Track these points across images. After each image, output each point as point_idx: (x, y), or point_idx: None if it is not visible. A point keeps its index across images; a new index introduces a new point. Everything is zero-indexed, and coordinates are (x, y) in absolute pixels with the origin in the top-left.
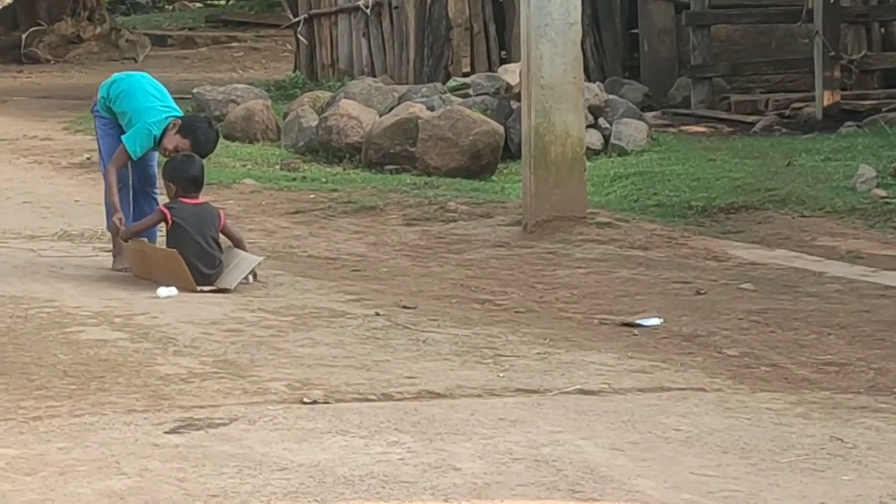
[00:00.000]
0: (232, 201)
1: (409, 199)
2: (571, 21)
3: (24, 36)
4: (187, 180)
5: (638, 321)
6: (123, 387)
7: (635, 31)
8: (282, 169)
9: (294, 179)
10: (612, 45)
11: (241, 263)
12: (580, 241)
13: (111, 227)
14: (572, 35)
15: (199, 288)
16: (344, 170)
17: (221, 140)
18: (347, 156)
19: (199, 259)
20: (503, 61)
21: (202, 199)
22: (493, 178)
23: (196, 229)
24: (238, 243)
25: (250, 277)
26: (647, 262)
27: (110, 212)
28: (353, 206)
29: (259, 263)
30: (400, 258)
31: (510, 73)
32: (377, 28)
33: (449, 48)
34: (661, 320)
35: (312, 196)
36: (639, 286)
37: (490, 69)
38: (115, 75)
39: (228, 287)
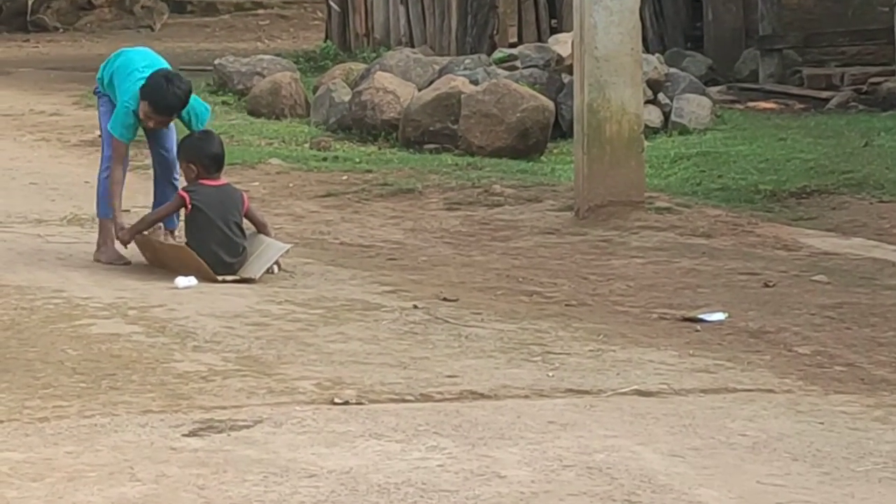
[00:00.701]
0: (257, 183)
1: (451, 182)
2: None
3: (30, 2)
4: (207, 158)
5: (700, 316)
6: (138, 385)
7: None
8: (311, 148)
9: (325, 159)
10: (674, 14)
11: (267, 251)
12: (637, 228)
13: (104, 216)
14: (630, 2)
15: (220, 278)
16: (379, 149)
17: (246, 116)
18: (383, 134)
19: (222, 246)
20: (553, 31)
21: (223, 179)
22: (542, 158)
23: (218, 214)
24: (262, 228)
25: (275, 267)
26: (711, 252)
27: (104, 197)
28: (389, 189)
29: (286, 251)
30: (440, 246)
31: (561, 44)
32: None
33: (494, 16)
34: (726, 315)
35: (345, 178)
36: (701, 278)
37: (539, 39)
38: (114, 53)
39: (253, 277)
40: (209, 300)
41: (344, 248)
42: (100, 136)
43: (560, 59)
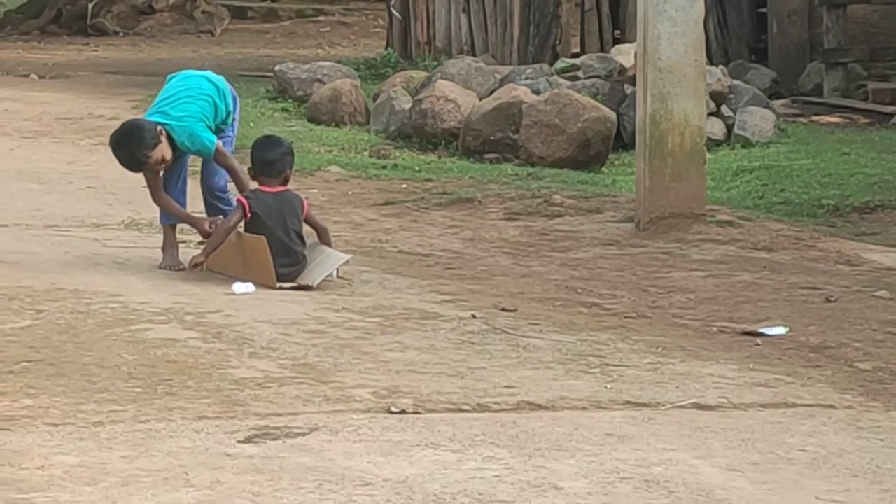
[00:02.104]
0: (315, 190)
1: (511, 192)
2: None
3: (91, 5)
4: (258, 162)
5: (761, 330)
6: (193, 391)
7: (763, 10)
8: (371, 155)
9: (384, 167)
10: (738, 26)
11: (327, 261)
12: (698, 241)
13: (164, 222)
14: (694, 13)
15: (278, 284)
16: (439, 158)
17: (305, 123)
18: (443, 142)
19: (280, 255)
20: (616, 41)
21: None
22: (604, 169)
23: (277, 222)
24: (322, 234)
25: (334, 272)
26: (772, 266)
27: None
28: (448, 198)
29: (347, 262)
30: (499, 256)
31: (624, 55)
32: (479, 2)
33: (557, 26)
34: (787, 329)
35: (404, 186)
36: (762, 291)
37: (602, 49)
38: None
39: (311, 284)
40: (266, 307)
41: (402, 257)
42: None
43: (623, 70)
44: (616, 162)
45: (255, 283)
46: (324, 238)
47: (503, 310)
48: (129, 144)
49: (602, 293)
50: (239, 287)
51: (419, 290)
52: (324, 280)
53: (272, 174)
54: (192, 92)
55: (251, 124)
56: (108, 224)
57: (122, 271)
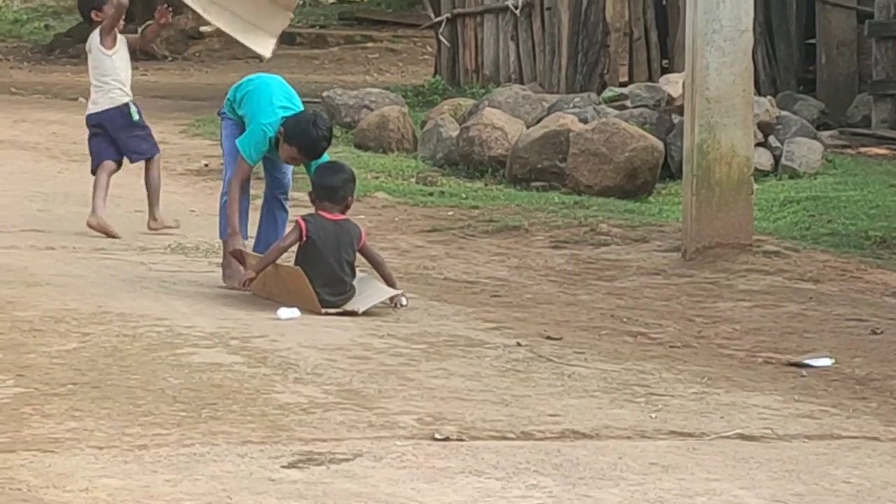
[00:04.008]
0: (363, 216)
1: (557, 220)
2: (742, 28)
3: (140, 29)
4: (320, 188)
5: (806, 361)
6: (238, 415)
7: (812, 41)
8: (418, 182)
9: (431, 194)
10: (786, 56)
11: (376, 294)
12: (744, 271)
13: (225, 237)
14: (743, 43)
15: (324, 311)
16: (486, 185)
17: (353, 149)
18: (490, 170)
19: (329, 284)
20: (665, 70)
21: (345, 215)
22: (650, 198)
23: (331, 250)
24: (377, 266)
25: (403, 299)
26: (818, 297)
27: (225, 224)
28: (494, 226)
29: (397, 295)
30: (545, 284)
31: (672, 84)
32: (527, 31)
33: (605, 55)
34: (833, 361)
35: (451, 213)
36: (808, 322)
37: (650, 79)
38: (247, 77)
39: (356, 310)
40: (311, 332)
41: (448, 284)
42: (206, 165)
43: (670, 100)
44: (663, 191)
45: (300, 309)
46: (380, 270)
47: (548, 338)
48: None
49: (648, 322)
50: (284, 312)
51: (465, 317)
52: (384, 305)
53: (335, 200)
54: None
55: None
56: (155, 248)
57: (168, 295)
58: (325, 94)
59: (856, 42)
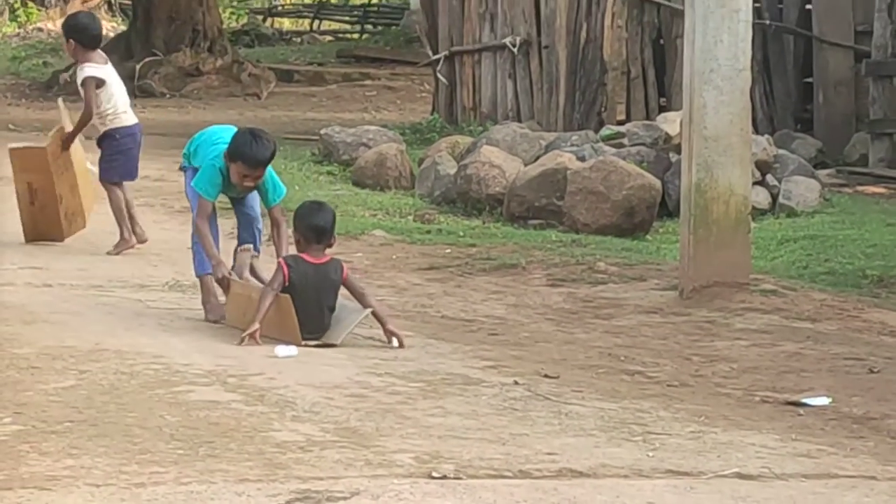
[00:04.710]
0: (360, 254)
1: (555, 258)
2: (740, 67)
3: (138, 67)
4: (307, 228)
5: (804, 400)
6: (235, 453)
7: (810, 80)
8: (415, 220)
9: (428, 232)
10: (784, 95)
11: (347, 317)
12: (742, 310)
13: (203, 272)
14: (740, 82)
15: (303, 342)
16: (483, 223)
17: (350, 187)
18: (488, 208)
19: (305, 326)
20: (662, 109)
21: (327, 256)
22: (648, 237)
23: (311, 296)
24: (360, 298)
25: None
26: (816, 336)
27: (201, 259)
28: (492, 264)
29: (365, 316)
30: (542, 322)
31: (670, 123)
32: (524, 69)
33: (603, 93)
34: (830, 400)
35: (448, 251)
36: (805, 361)
37: (648, 117)
38: (199, 132)
39: (335, 343)
40: (309, 370)
41: (445, 322)
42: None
43: (668, 138)
44: (660, 230)
45: (282, 336)
46: (363, 301)
47: (546, 376)
48: None
49: (645, 361)
50: (282, 350)
51: (462, 355)
52: (348, 335)
53: (322, 241)
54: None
55: (296, 187)
56: (153, 285)
57: (165, 332)
58: (322, 131)
59: (853, 81)
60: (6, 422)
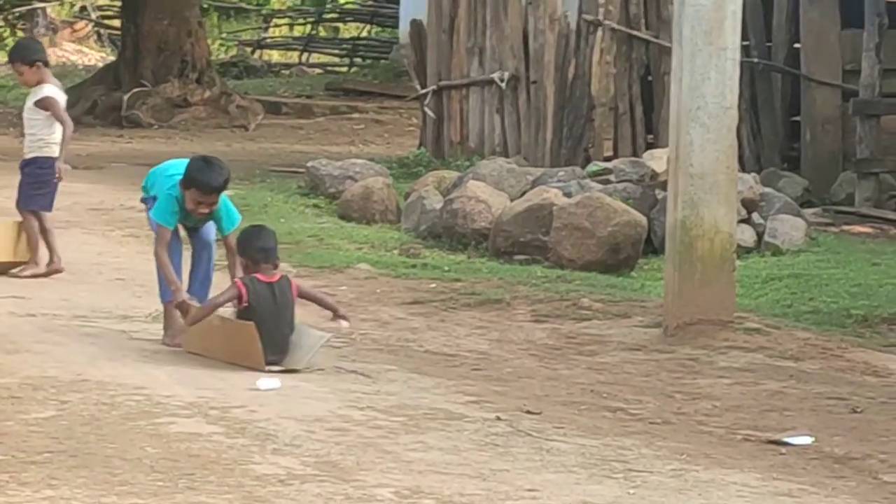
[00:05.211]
0: (344, 287)
1: (539, 294)
2: (727, 105)
3: (125, 97)
4: (255, 251)
5: (786, 439)
6: (215, 486)
7: (797, 118)
8: (401, 254)
9: (413, 266)
10: (771, 133)
11: (307, 341)
12: (725, 348)
13: (166, 300)
14: (727, 120)
15: (267, 368)
16: (469, 258)
17: (336, 220)
18: (473, 243)
19: (271, 349)
20: (650, 146)
21: (278, 274)
22: (633, 273)
23: (270, 317)
24: (319, 301)
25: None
26: (799, 375)
27: (164, 287)
28: (476, 299)
29: (326, 341)
30: (526, 358)
31: (656, 160)
32: (512, 104)
33: (590, 129)
34: (812, 439)
35: (433, 285)
36: (788, 400)
37: (635, 154)
38: (155, 167)
39: (297, 368)
40: (290, 403)
41: (429, 357)
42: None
43: (654, 175)
44: (646, 266)
45: (244, 362)
46: (322, 303)
47: (528, 412)
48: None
49: (627, 398)
50: (264, 383)
51: (444, 390)
52: (311, 359)
53: (269, 261)
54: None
55: (282, 220)
56: (136, 316)
57: (147, 364)
58: (309, 164)
59: (840, 120)
60: None
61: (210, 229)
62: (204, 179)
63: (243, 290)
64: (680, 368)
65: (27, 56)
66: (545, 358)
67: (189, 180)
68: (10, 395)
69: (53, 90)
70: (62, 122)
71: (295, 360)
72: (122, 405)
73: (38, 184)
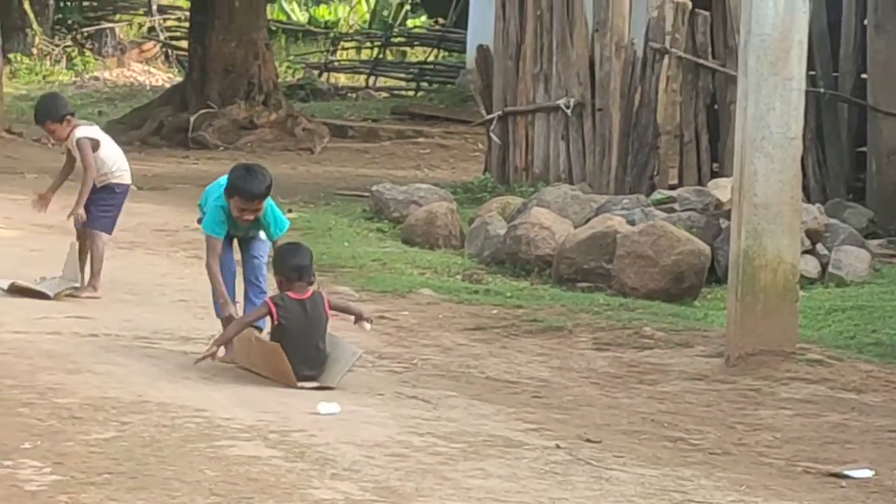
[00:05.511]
0: (406, 312)
1: (601, 322)
2: (792, 135)
3: (192, 118)
4: (288, 269)
5: (846, 472)
6: None
7: (863, 149)
8: (463, 280)
9: (476, 292)
10: (837, 164)
11: (341, 358)
12: (787, 379)
13: (220, 314)
14: (792, 150)
15: (299, 385)
16: (531, 284)
17: (399, 245)
18: (536, 269)
19: (303, 362)
20: (714, 174)
21: (309, 291)
22: (696, 303)
23: (302, 334)
24: (347, 310)
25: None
26: (861, 407)
27: (218, 302)
28: (538, 326)
29: (358, 358)
30: (586, 386)
31: (721, 189)
32: (577, 131)
33: (655, 157)
34: (873, 472)
35: (495, 312)
36: (850, 433)
37: (700, 182)
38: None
39: (332, 386)
40: (350, 427)
41: (489, 383)
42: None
43: (719, 204)
44: (709, 296)
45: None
46: (350, 310)
47: (588, 441)
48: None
49: (688, 428)
50: (324, 407)
51: (505, 417)
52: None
53: (304, 279)
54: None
55: (346, 244)
56: (198, 338)
57: (208, 386)
58: (374, 188)
59: None
60: (46, 472)
61: (262, 250)
62: (246, 187)
63: (273, 310)
64: (741, 399)
65: (56, 113)
66: (606, 386)
67: (232, 188)
68: (70, 415)
69: (81, 131)
70: (85, 168)
71: (330, 378)
72: (182, 427)
73: (105, 206)
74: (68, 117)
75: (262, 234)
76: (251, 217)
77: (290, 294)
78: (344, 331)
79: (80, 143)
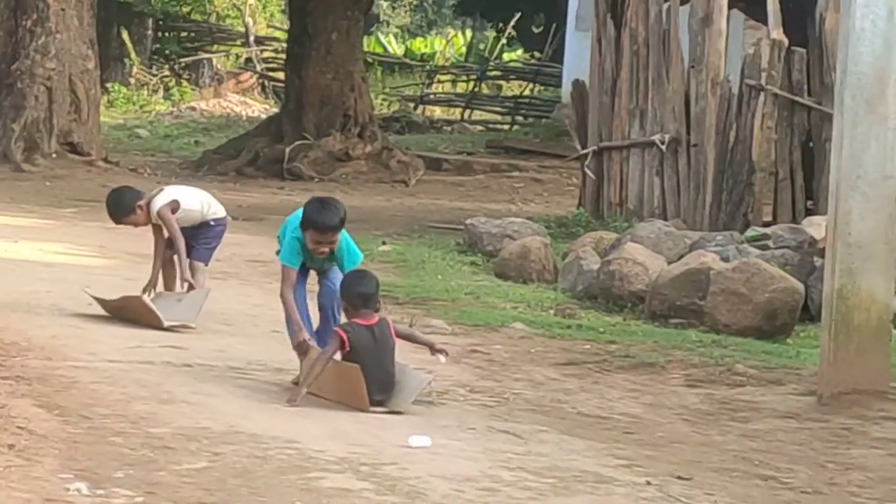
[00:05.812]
0: (499, 346)
1: (694, 358)
2: (887, 174)
3: (288, 150)
4: (354, 296)
5: None
6: None
7: None
8: (556, 314)
9: (569, 327)
10: None
11: (410, 383)
12: (880, 419)
13: (293, 340)
14: (887, 190)
15: (371, 409)
16: (624, 320)
17: (492, 278)
18: (629, 305)
19: (376, 389)
20: (809, 212)
21: (376, 317)
22: (789, 340)
23: (372, 358)
24: (413, 338)
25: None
26: None
27: (292, 329)
28: (630, 361)
29: (428, 383)
30: (678, 423)
31: (815, 226)
32: (672, 167)
33: (750, 194)
34: None
35: (587, 347)
36: None
37: (794, 220)
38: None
39: (401, 410)
40: (441, 461)
41: (581, 419)
42: None
43: (813, 242)
44: (802, 334)
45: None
46: (420, 340)
47: (679, 478)
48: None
49: (779, 466)
50: (416, 441)
51: (595, 452)
52: (413, 401)
53: (369, 306)
54: None
55: (439, 276)
56: (291, 369)
57: (300, 417)
58: (468, 221)
59: None
60: (137, 501)
61: (337, 276)
62: (320, 220)
63: (344, 337)
64: (833, 438)
65: (128, 207)
66: (697, 423)
67: (306, 221)
68: (163, 444)
69: (157, 202)
70: (174, 237)
71: (398, 402)
72: (274, 458)
73: (205, 239)
74: (140, 206)
75: None
76: (326, 250)
77: (358, 321)
78: (431, 364)
79: (161, 214)
